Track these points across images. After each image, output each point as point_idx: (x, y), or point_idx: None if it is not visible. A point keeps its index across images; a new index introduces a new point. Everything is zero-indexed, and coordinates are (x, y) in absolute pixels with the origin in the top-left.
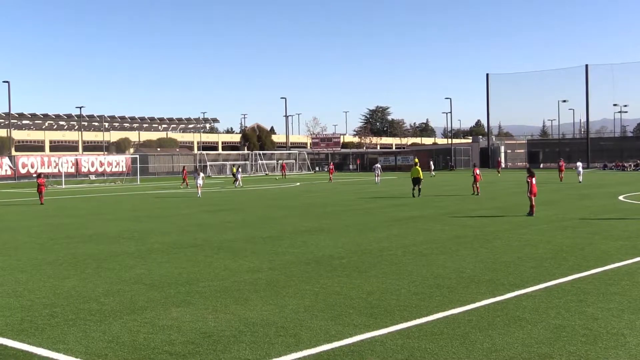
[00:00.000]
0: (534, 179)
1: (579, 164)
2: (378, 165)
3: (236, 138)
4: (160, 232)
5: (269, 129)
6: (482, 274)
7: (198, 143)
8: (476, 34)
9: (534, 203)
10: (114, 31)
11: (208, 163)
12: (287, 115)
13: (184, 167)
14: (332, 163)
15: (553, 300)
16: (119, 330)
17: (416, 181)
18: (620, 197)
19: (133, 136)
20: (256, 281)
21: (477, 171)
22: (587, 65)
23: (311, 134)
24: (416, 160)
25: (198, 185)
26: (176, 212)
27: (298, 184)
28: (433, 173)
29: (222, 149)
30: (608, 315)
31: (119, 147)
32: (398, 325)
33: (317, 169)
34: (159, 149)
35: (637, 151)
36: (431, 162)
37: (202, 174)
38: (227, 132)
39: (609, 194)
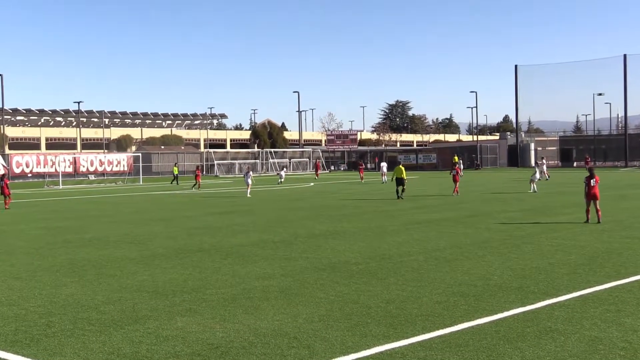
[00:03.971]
0: (592, 181)
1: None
2: (384, 164)
3: (245, 135)
4: (165, 236)
5: (280, 125)
6: (511, 281)
7: (205, 140)
8: (504, 23)
9: (589, 207)
10: (114, 22)
11: (215, 162)
12: (300, 110)
13: (197, 166)
14: (361, 162)
15: (588, 310)
16: (120, 341)
17: (399, 182)
18: None
19: (135, 133)
20: (267, 288)
21: (460, 171)
22: (625, 55)
23: (326, 131)
24: (402, 166)
25: (248, 184)
26: (182, 214)
27: (312, 184)
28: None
29: (231, 147)
30: None
31: (120, 144)
32: (419, 336)
33: (332, 168)
34: (162, 147)
35: None
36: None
37: (251, 173)
38: (236, 128)
39: None
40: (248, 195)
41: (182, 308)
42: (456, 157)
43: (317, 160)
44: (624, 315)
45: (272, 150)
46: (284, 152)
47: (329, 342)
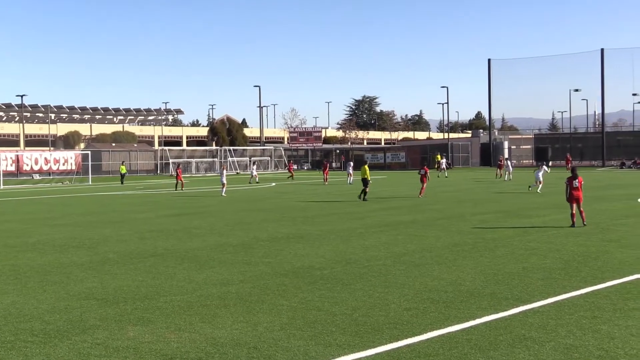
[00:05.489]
0: (574, 182)
1: (510, 162)
2: (350, 163)
3: (203, 132)
4: (116, 240)
5: (240, 121)
6: (483, 287)
7: (159, 137)
8: (477, 15)
9: (574, 211)
10: (61, 10)
11: (170, 160)
12: (262, 105)
13: (178, 165)
14: (327, 161)
15: (563, 317)
16: (66, 353)
17: (364, 182)
18: None
19: (84, 129)
20: (225, 295)
21: (428, 171)
22: (602, 50)
23: (289, 128)
24: (365, 166)
25: (223, 183)
26: (134, 216)
27: (273, 184)
28: (446, 174)
29: (187, 145)
30: (626, 334)
31: (68, 141)
32: (387, 345)
33: (295, 167)
34: (113, 144)
35: None
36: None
37: (225, 172)
38: (193, 125)
39: (626, 195)
40: (223, 195)
41: (134, 317)
42: (439, 156)
43: (290, 162)
44: (600, 322)
45: (232, 148)
46: (244, 150)
47: (291, 352)
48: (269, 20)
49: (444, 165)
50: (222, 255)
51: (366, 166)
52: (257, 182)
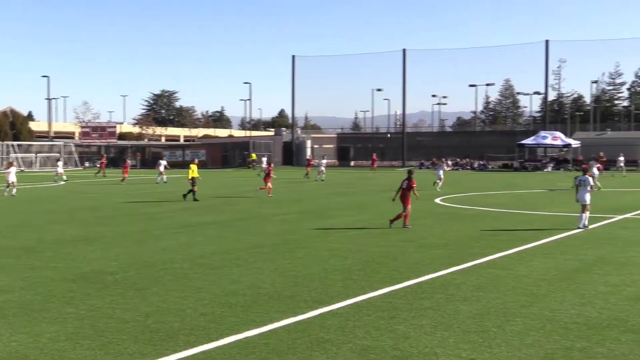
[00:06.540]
0: (404, 182)
1: (324, 161)
2: (162, 162)
3: None
4: None
5: (26, 114)
6: (282, 290)
7: None
8: (279, 9)
9: (405, 212)
10: None
11: None
12: (50, 98)
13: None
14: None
15: (362, 318)
16: None
17: (192, 182)
18: (437, 200)
19: None
20: (4, 305)
21: (272, 171)
22: (404, 50)
23: (80, 122)
24: (192, 164)
25: (10, 182)
26: None
27: (63, 182)
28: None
29: None
30: (420, 333)
31: None
32: (181, 352)
33: (87, 164)
34: None
35: (455, 148)
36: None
37: (13, 169)
38: None
39: (424, 196)
40: (13, 194)
41: None
42: (253, 155)
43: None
44: (397, 322)
45: (16, 143)
46: (29, 145)
47: None
48: (57, 7)
49: (265, 164)
50: (2, 259)
51: (194, 165)
52: (55, 180)
